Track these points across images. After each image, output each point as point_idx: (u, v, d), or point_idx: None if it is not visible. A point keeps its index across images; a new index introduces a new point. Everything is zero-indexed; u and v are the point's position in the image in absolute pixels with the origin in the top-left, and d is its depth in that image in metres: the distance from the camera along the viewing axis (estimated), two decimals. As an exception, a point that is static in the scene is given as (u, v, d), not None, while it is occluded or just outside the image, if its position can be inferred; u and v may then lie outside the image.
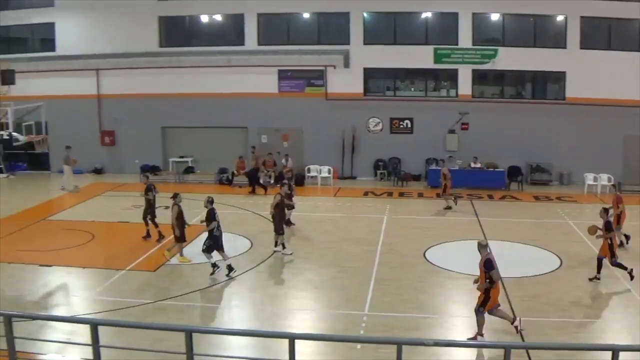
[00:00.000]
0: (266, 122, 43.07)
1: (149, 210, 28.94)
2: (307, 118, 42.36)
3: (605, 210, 23.81)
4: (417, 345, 11.66)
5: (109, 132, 45.44)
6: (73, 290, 23.89)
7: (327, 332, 18.70)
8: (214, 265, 24.12)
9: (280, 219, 26.94)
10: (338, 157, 42.20)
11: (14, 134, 34.79)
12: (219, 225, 24.68)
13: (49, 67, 45.00)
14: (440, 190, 34.97)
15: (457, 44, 40.35)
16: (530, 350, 16.90)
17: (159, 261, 25.78)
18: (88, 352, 12.33)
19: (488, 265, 18.00)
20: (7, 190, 41.93)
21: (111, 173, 44.23)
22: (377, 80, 42.88)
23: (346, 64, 41.50)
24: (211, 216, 24.52)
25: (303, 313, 21.20)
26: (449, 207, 34.40)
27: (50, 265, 25.81)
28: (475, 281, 18.75)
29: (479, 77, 41.14)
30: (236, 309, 21.83)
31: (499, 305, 18.34)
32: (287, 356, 10.99)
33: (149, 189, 29.13)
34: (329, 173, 41.38)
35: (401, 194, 37.86)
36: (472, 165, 39.37)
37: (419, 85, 42.31)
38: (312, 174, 41.63)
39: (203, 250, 24.45)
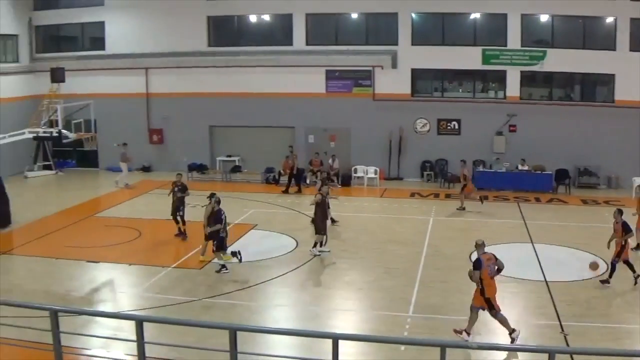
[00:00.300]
0: (313, 122, 43.12)
1: (179, 208, 29.28)
2: (355, 118, 42.31)
3: (620, 212, 23.56)
4: (462, 348, 11.62)
5: (157, 130, 45.77)
6: (119, 286, 24.15)
7: (370, 333, 18.74)
8: (235, 255, 24.91)
9: (321, 219, 26.96)
10: (385, 158, 42.13)
11: (64, 131, 35.19)
12: (225, 227, 25.00)
13: (99, 65, 45.50)
14: (459, 190, 35.22)
15: (505, 45, 39.97)
16: (574, 356, 16.78)
17: (204, 259, 25.96)
18: (132, 348, 12.47)
19: (475, 264, 18.41)
20: (56, 186, 42.45)
21: (159, 171, 44.54)
22: (424, 81, 42.67)
23: (394, 65, 41.37)
24: (218, 217, 24.87)
25: (347, 313, 21.25)
26: (462, 208, 34.36)
27: (97, 262, 26.12)
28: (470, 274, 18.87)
29: (528, 79, 40.74)
30: (280, 308, 21.90)
31: (499, 310, 18.37)
32: (330, 356, 11.03)
33: (180, 188, 29.50)
34: (376, 174, 41.30)
35: (447, 196, 37.68)
36: (520, 167, 39.04)
37: (467, 87, 42.08)
38: (359, 174, 41.59)
39: (213, 251, 24.91)
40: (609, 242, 23.46)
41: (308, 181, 40.26)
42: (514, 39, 39.77)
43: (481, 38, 40.53)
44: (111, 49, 45.68)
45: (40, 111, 40.70)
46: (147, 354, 11.98)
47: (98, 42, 46.67)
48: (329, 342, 11.06)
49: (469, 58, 40.22)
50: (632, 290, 22.37)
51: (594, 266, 23.97)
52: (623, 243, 23.01)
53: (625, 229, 23.07)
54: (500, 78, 40.86)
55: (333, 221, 30.84)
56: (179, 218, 29.27)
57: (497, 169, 39.21)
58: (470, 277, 18.56)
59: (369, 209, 35.28)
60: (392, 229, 30.65)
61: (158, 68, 45.03)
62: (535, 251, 26.52)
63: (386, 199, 37.61)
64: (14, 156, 41.57)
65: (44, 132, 35.75)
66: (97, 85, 44.97)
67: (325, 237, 26.93)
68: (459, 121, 41.26)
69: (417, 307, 20.95)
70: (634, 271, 22.93)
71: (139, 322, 11.77)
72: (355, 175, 41.67)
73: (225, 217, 25.10)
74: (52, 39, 48.53)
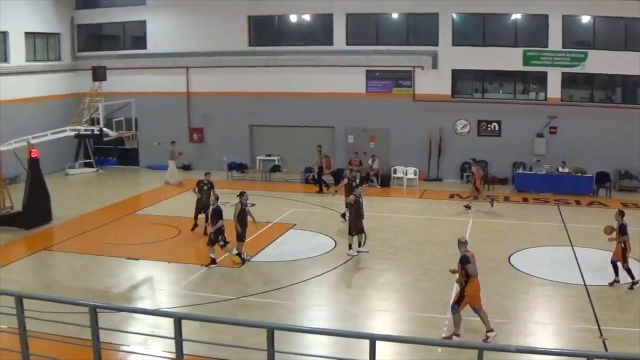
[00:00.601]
0: (353, 122, 43.06)
1: (206, 207, 29.47)
2: (394, 119, 42.19)
3: (621, 213, 23.34)
4: (499, 351, 11.58)
5: (198, 129, 45.99)
6: (158, 283, 24.33)
7: (408, 334, 18.68)
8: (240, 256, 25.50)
9: (354, 220, 26.87)
10: (424, 158, 41.98)
11: (105, 129, 35.45)
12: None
13: (140, 64, 45.91)
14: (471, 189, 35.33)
15: (546, 46, 39.59)
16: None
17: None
18: (170, 345, 12.52)
19: (463, 260, 18.37)
20: (96, 184, 42.82)
21: (199, 169, 44.73)
22: (465, 81, 42.45)
23: (434, 65, 41.22)
24: (218, 214, 25.42)
25: (384, 314, 21.23)
26: (468, 207, 34.54)
27: (137, 259, 26.33)
28: (452, 272, 19.04)
29: (568, 81, 40.32)
30: (317, 307, 21.93)
31: (481, 307, 18.53)
32: (367, 357, 11.00)
33: (209, 187, 29.86)
34: (415, 174, 41.18)
35: (487, 197, 37.51)
36: (560, 170, 38.71)
37: (508, 88, 41.78)
38: (398, 175, 41.49)
39: (222, 246, 25.32)
40: (610, 240, 23.28)
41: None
42: (555, 40, 39.39)
43: (522, 39, 40.19)
44: (152, 48, 46.03)
45: (82, 109, 41.05)
46: (184, 352, 12.02)
47: (139, 41, 47.05)
48: (366, 342, 11.03)
49: (509, 59, 39.91)
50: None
51: (607, 230, 23.57)
52: (622, 245, 22.83)
53: (622, 231, 22.91)
54: (541, 79, 40.48)
55: (343, 216, 31.42)
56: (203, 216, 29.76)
57: (537, 171, 38.91)
58: (468, 271, 18.37)
59: (408, 210, 35.20)
60: (430, 230, 30.56)
61: (199, 67, 45.26)
62: (574, 254, 26.32)
63: (425, 200, 37.49)
64: (55, 153, 41.96)
65: (85, 130, 36.05)
66: (138, 84, 45.34)
67: (364, 237, 26.88)
68: (499, 122, 40.98)
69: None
70: (616, 274, 22.95)
71: (178, 320, 11.81)
72: (394, 175, 41.58)
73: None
74: (93, 38, 48.99)
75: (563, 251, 26.98)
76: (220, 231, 25.28)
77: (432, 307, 21.09)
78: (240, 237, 25.58)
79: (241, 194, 25.84)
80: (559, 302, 21.68)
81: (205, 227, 29.13)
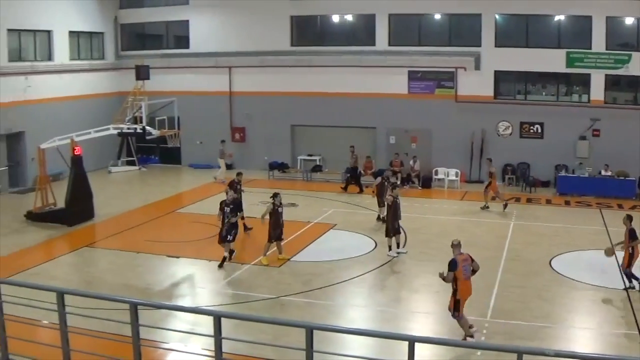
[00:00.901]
0: (395, 122, 42.97)
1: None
2: (436, 120, 42.04)
3: (629, 217, 23.15)
4: (538, 355, 11.50)
5: (240, 128, 46.16)
6: (198, 282, 24.48)
7: (447, 337, 18.61)
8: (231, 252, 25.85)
9: (391, 221, 26.78)
10: (466, 160, 41.80)
11: (147, 127, 35.68)
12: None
13: (182, 63, 46.28)
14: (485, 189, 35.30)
15: (590, 48, 39.20)
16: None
17: (283, 257, 26.13)
18: (210, 343, 12.57)
19: (450, 264, 18.83)
20: (138, 182, 43.14)
21: (240, 169, 44.86)
22: (507, 83, 42.14)
23: (477, 66, 41.02)
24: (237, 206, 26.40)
25: (424, 316, 21.22)
26: (486, 207, 34.67)
27: (178, 257, 26.49)
28: (440, 275, 19.14)
29: (612, 83, 39.88)
30: (357, 308, 21.93)
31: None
32: (406, 358, 10.98)
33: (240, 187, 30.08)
34: (457, 176, 41.02)
35: (529, 200, 37.25)
36: (603, 173, 38.34)
37: (550, 90, 41.45)
38: (440, 176, 41.34)
39: (229, 241, 25.46)
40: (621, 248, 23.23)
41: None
42: (598, 42, 38.96)
43: (565, 40, 39.82)
44: (195, 48, 46.31)
45: (125, 108, 41.35)
46: (223, 350, 12.06)
47: (182, 40, 47.38)
48: (405, 344, 11.00)
49: (552, 60, 39.57)
50: None
51: (609, 252, 23.46)
52: (630, 251, 22.65)
53: (632, 236, 22.69)
54: (584, 81, 40.04)
55: (378, 218, 31.77)
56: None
57: (580, 174, 38.57)
58: (443, 279, 18.87)
59: (449, 212, 35.06)
60: (471, 232, 30.39)
61: (241, 67, 45.45)
62: (616, 259, 26.03)
63: (466, 201, 37.32)
64: (98, 151, 42.46)
65: (128, 129, 36.27)
66: (180, 83, 45.66)
67: (404, 237, 26.86)
68: (541, 124, 40.65)
69: (494, 311, 20.78)
70: (630, 280, 22.80)
71: (217, 318, 11.85)
72: (435, 177, 41.44)
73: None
74: (137, 37, 49.40)
75: (605, 255, 26.70)
76: (233, 226, 25.52)
77: (472, 309, 20.92)
78: (270, 238, 25.53)
79: (274, 195, 25.69)
80: (600, 307, 21.51)
81: (244, 224, 29.41)
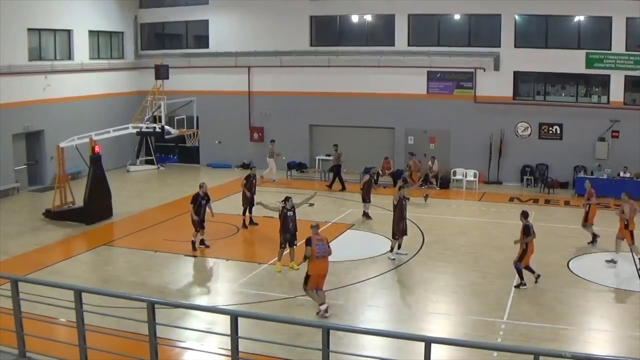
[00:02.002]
0: (413, 123, 42.92)
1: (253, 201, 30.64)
2: (455, 120, 41.97)
3: (524, 214, 23.44)
4: (555, 357, 11.44)
5: (258, 128, 46.23)
6: (215, 281, 24.59)
7: (464, 338, 18.58)
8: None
9: (397, 222, 26.52)
10: (484, 161, 41.67)
11: (166, 127, 35.79)
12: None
13: (202, 63, 46.46)
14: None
15: (610, 49, 39.00)
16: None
17: (300, 257, 26.11)
18: (226, 342, 12.60)
19: (306, 241, 20.61)
20: (157, 181, 43.26)
21: (259, 168, 44.80)
22: (526, 84, 42.02)
23: (496, 67, 40.88)
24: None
25: (440, 317, 21.17)
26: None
27: (195, 256, 26.57)
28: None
29: (632, 84, 39.63)
30: (374, 309, 21.90)
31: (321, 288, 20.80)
32: (422, 359, 10.99)
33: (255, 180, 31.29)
34: (475, 177, 40.90)
35: (547, 202, 37.11)
36: (622, 174, 38.16)
37: (570, 91, 41.26)
38: (458, 177, 41.24)
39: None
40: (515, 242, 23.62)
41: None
42: (618, 43, 38.75)
43: (585, 41, 39.62)
44: (214, 47, 46.42)
45: (144, 107, 41.47)
46: (240, 349, 12.09)
47: (202, 40, 47.51)
48: (421, 344, 11.01)
49: (572, 61, 39.39)
50: None
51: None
52: (524, 247, 22.84)
53: (526, 233, 22.89)
54: (603, 82, 39.83)
55: (368, 217, 32.53)
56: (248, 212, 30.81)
57: (599, 175, 38.38)
58: (304, 258, 20.63)
59: (467, 212, 34.99)
60: (489, 234, 30.36)
61: (260, 67, 45.54)
62: (634, 261, 25.93)
63: (485, 202, 37.23)
64: (117, 150, 42.72)
65: (147, 128, 36.40)
66: (200, 83, 45.83)
67: (400, 240, 26.63)
68: (560, 125, 40.48)
69: (511, 313, 20.72)
70: (533, 272, 23.23)
71: (234, 317, 11.88)
72: (454, 177, 41.35)
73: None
74: (156, 37, 49.57)
75: (623, 257, 26.60)
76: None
77: (489, 310, 20.97)
78: (280, 243, 25.08)
79: (286, 199, 25.30)
80: (618, 309, 21.44)
81: (250, 218, 29.63)
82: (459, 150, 41.90)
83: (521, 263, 22.93)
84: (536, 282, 23.12)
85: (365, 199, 32.54)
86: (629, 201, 26.00)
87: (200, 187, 27.92)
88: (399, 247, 26.58)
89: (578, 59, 39.27)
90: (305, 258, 20.70)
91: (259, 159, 44.50)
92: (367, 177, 33.00)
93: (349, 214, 33.42)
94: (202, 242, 27.70)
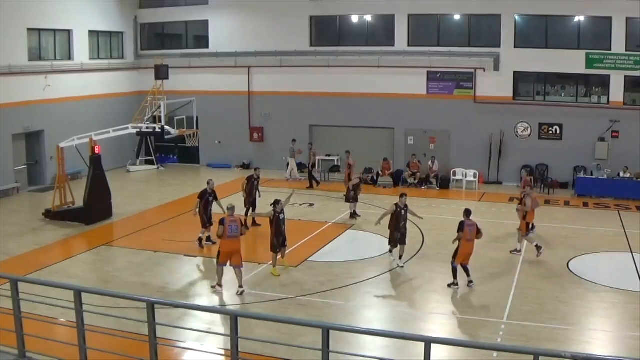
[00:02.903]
0: (413, 123, 42.89)
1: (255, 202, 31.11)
2: (455, 121, 41.97)
3: (467, 212, 23.46)
4: (555, 357, 11.43)
5: (258, 128, 46.22)
6: (215, 281, 24.47)
7: (464, 338, 18.61)
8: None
9: (392, 231, 25.96)
10: (484, 161, 41.65)
11: (166, 127, 35.80)
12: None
13: (202, 63, 46.46)
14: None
15: (609, 49, 38.98)
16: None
17: (300, 257, 26.17)
18: (226, 342, 12.63)
19: (220, 222, 22.50)
20: (157, 181, 43.25)
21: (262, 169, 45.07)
22: (526, 84, 42.03)
23: (496, 67, 40.83)
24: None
25: (441, 317, 21.18)
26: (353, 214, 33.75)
27: (195, 256, 26.58)
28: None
29: (632, 84, 39.59)
30: (374, 309, 21.92)
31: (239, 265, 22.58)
32: (422, 359, 11.00)
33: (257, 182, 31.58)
34: (475, 177, 40.89)
35: (547, 202, 37.03)
36: (622, 175, 38.16)
37: (570, 91, 41.23)
38: (458, 177, 41.21)
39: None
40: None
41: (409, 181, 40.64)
42: (618, 43, 38.74)
43: (585, 41, 39.59)
44: (214, 47, 46.41)
45: (144, 107, 41.50)
46: (239, 349, 12.10)
47: (202, 40, 47.52)
48: (421, 345, 11.02)
49: (572, 62, 39.39)
50: None
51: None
52: (459, 242, 23.00)
53: (459, 229, 23.02)
54: (603, 83, 39.80)
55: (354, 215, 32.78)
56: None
57: (598, 175, 38.39)
58: (219, 236, 22.53)
59: (467, 213, 34.95)
60: (489, 234, 30.24)
61: (260, 67, 45.54)
62: (634, 261, 25.96)
63: (485, 202, 37.21)
64: (117, 151, 42.74)
65: (147, 128, 36.41)
66: (199, 83, 45.87)
67: (395, 247, 26.34)
68: (560, 126, 40.47)
69: (512, 313, 20.73)
70: (468, 275, 23.28)
71: (234, 317, 11.89)
72: (454, 178, 41.32)
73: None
74: (156, 37, 49.60)
75: (623, 258, 26.63)
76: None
77: (489, 311, 20.99)
78: (273, 248, 24.69)
79: (275, 203, 24.92)
80: (618, 309, 21.41)
81: (253, 220, 30.33)
82: (459, 151, 41.90)
83: (455, 261, 23.05)
84: (468, 285, 23.22)
85: (348, 199, 32.86)
86: (531, 194, 27.33)
87: (208, 183, 28.34)
88: (399, 258, 25.97)
89: (578, 59, 39.28)
90: (218, 236, 22.64)
91: (259, 159, 44.55)
92: (357, 180, 33.06)
93: (349, 214, 33.35)
94: (208, 238, 28.00)
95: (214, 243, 27.44)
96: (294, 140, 42.90)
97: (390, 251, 26.25)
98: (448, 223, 31.81)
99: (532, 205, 26.90)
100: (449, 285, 23.12)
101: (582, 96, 40.74)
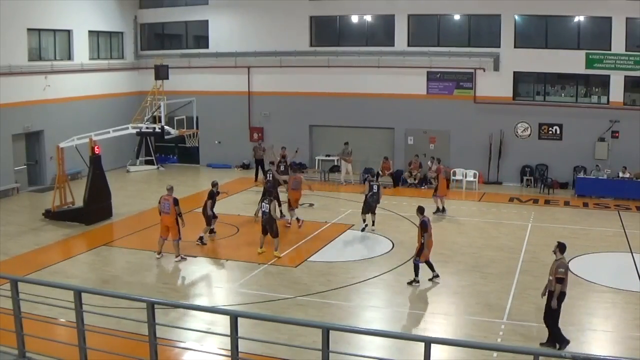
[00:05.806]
0: (413, 123, 42.87)
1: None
2: (455, 121, 41.93)
3: (420, 209, 23.74)
4: (555, 357, 11.43)
5: (258, 128, 46.20)
6: (215, 281, 24.59)
7: (463, 338, 18.59)
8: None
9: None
10: (484, 161, 41.64)
11: (166, 127, 35.80)
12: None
13: (202, 63, 46.42)
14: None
15: (609, 49, 38.95)
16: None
17: (300, 257, 26.18)
18: (226, 342, 12.60)
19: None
20: (157, 181, 43.16)
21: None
22: (526, 84, 41.99)
23: (496, 67, 40.81)
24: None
25: (440, 317, 21.16)
26: (442, 210, 34.05)
27: (194, 256, 26.55)
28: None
29: (632, 84, 39.57)
30: (374, 309, 21.90)
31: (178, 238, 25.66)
32: (422, 359, 10.99)
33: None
34: (474, 177, 40.86)
35: (547, 202, 37.08)
36: (621, 175, 38.11)
37: (569, 91, 41.22)
38: (458, 177, 41.18)
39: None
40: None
41: (409, 181, 40.66)
42: (618, 43, 38.71)
43: (585, 41, 39.57)
44: (214, 47, 46.39)
45: (144, 107, 41.50)
46: (239, 349, 12.09)
47: (202, 40, 47.52)
48: (421, 345, 11.01)
49: (572, 62, 39.37)
50: None
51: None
52: (422, 242, 23.08)
53: (422, 228, 23.12)
54: (603, 83, 39.77)
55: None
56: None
57: (598, 176, 38.38)
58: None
59: (467, 213, 34.92)
60: (489, 234, 30.36)
61: (260, 67, 45.53)
62: (634, 261, 25.96)
63: (484, 203, 37.21)
64: (117, 151, 42.73)
65: (147, 128, 36.42)
66: (199, 83, 45.87)
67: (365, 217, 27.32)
68: (560, 126, 40.44)
69: (511, 313, 20.73)
70: (433, 271, 23.53)
71: (234, 317, 11.88)
72: (454, 178, 41.22)
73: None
74: (156, 37, 49.57)
75: (623, 258, 26.64)
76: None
77: (489, 311, 20.97)
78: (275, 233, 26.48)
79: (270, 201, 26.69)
80: (618, 310, 21.40)
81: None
82: (459, 151, 41.86)
83: (420, 259, 23.16)
84: (431, 279, 23.56)
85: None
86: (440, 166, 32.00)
87: (214, 185, 28.66)
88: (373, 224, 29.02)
89: (578, 59, 39.25)
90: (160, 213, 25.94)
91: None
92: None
93: (349, 214, 33.36)
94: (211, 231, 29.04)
95: (204, 244, 28.00)
96: (346, 143, 42.05)
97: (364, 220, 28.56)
98: (447, 223, 31.93)
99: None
100: (409, 283, 23.29)
101: (582, 96, 40.72)
